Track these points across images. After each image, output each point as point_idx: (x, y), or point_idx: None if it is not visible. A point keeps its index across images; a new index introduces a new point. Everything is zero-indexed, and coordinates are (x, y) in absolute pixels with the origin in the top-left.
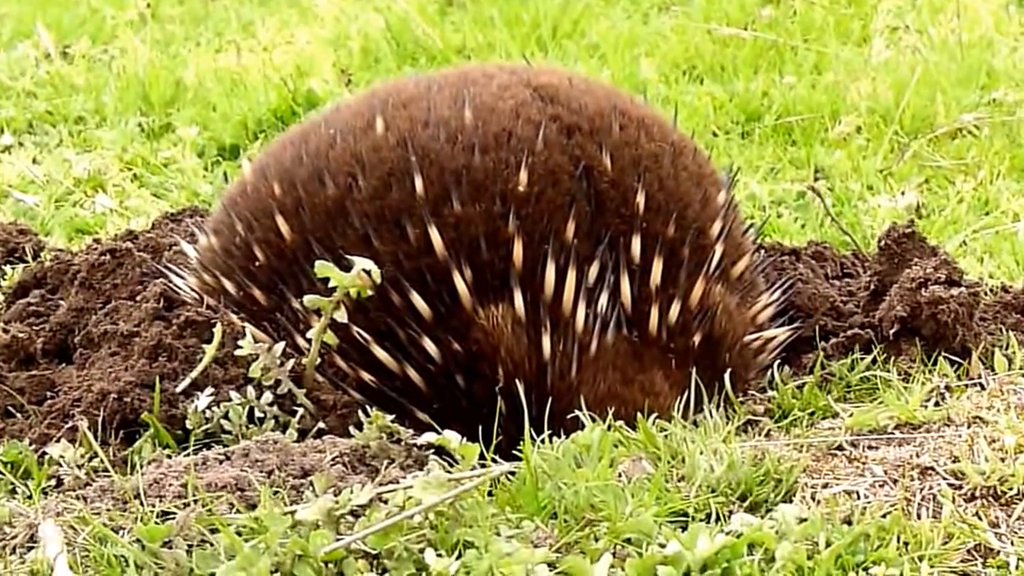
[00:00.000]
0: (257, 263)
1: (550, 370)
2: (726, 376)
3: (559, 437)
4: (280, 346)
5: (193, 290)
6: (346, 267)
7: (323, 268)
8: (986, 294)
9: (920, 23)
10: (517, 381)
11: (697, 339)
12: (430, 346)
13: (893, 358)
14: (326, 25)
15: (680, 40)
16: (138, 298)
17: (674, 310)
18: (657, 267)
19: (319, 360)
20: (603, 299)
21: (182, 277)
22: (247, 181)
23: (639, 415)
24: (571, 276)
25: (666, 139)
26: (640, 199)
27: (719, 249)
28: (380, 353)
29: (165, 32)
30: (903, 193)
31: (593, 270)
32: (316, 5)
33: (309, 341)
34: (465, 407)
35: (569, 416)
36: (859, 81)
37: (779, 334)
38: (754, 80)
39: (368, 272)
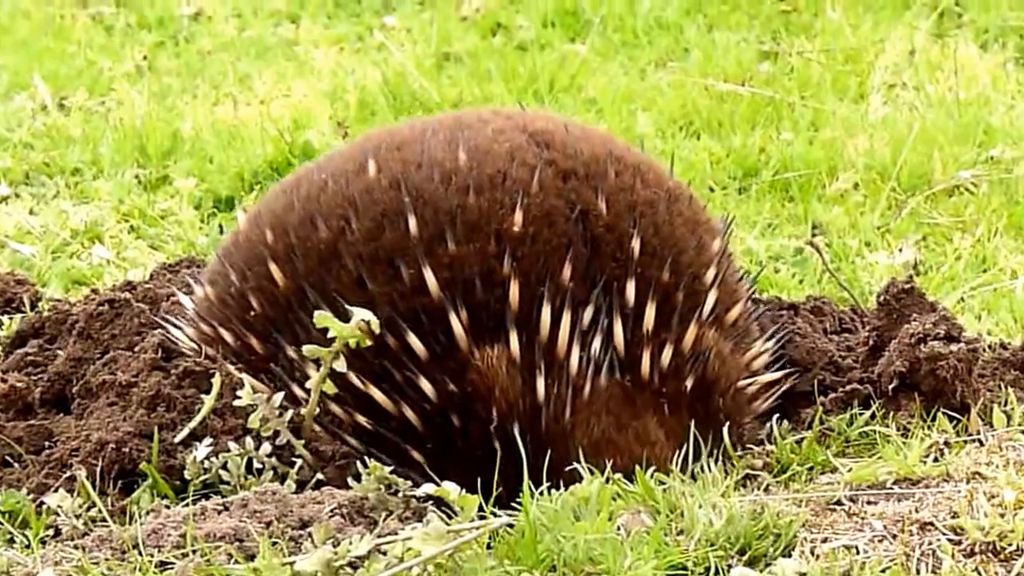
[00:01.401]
0: (252, 312)
1: (544, 412)
2: (724, 428)
3: (554, 482)
4: (279, 397)
5: (191, 341)
6: (340, 311)
7: (322, 318)
8: (985, 350)
9: (917, 80)
10: (511, 422)
11: (690, 383)
12: (426, 386)
13: (892, 413)
14: (323, 78)
15: (677, 95)
16: (136, 348)
17: (666, 354)
18: (651, 311)
19: (316, 408)
20: (596, 343)
21: (180, 328)
22: (241, 230)
23: (636, 467)
24: (566, 318)
25: (661, 185)
26: (636, 244)
27: (713, 295)
28: (377, 394)
29: (162, 84)
30: (901, 250)
31: (588, 313)
32: (313, 59)
33: (306, 390)
34: (460, 447)
35: (565, 466)
36: (856, 138)
37: (773, 378)
38: (751, 136)
39: (367, 322)
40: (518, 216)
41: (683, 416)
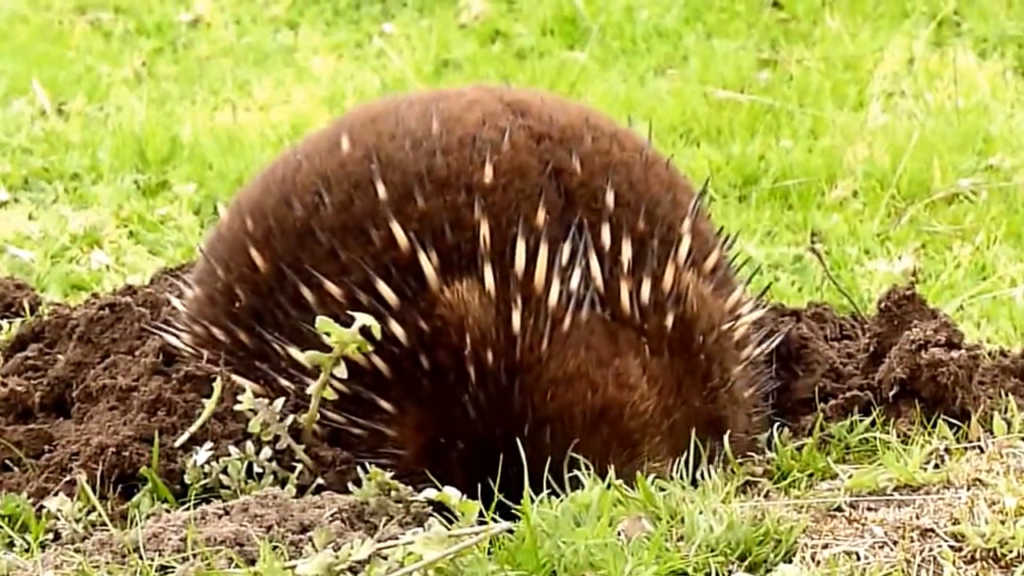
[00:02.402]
0: (239, 303)
1: (519, 343)
2: (710, 370)
3: (528, 412)
4: (280, 402)
5: (188, 346)
6: (315, 286)
7: (324, 324)
8: (985, 358)
9: (917, 89)
10: (485, 351)
11: (670, 320)
12: (396, 329)
13: (892, 420)
14: (322, 85)
15: (677, 103)
16: (137, 352)
17: (646, 288)
18: (627, 249)
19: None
20: (576, 278)
21: (175, 335)
22: (222, 223)
23: (612, 413)
24: (543, 252)
25: (639, 151)
26: (610, 196)
27: (688, 239)
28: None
29: (160, 90)
30: (900, 258)
31: (566, 250)
32: (312, 65)
33: (293, 381)
34: (431, 390)
35: (538, 397)
36: (856, 145)
37: (756, 317)
38: (751, 144)
39: (367, 328)
40: (488, 169)
41: (665, 358)
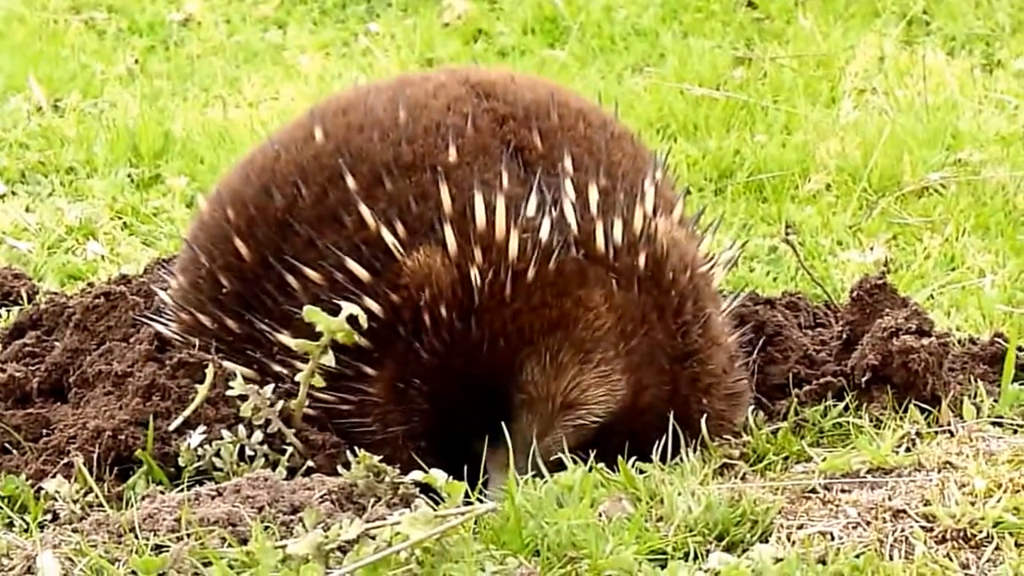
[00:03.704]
0: (224, 290)
1: (480, 294)
2: (682, 307)
3: (485, 337)
4: (270, 388)
5: (176, 335)
6: (298, 275)
7: (311, 313)
8: (955, 345)
9: (887, 85)
10: (442, 304)
11: (642, 259)
12: (371, 304)
13: (865, 405)
14: (310, 82)
15: (654, 100)
16: (132, 339)
17: (618, 227)
18: (594, 194)
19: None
20: (545, 228)
21: (164, 324)
22: (203, 212)
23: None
24: (501, 205)
25: (605, 128)
26: (568, 161)
27: (652, 191)
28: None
29: (153, 87)
30: (872, 249)
31: (532, 203)
32: (300, 63)
33: (282, 364)
34: (411, 356)
35: (500, 340)
36: (828, 140)
37: (730, 256)
38: (726, 138)
39: (354, 318)
40: (452, 151)
41: (634, 293)
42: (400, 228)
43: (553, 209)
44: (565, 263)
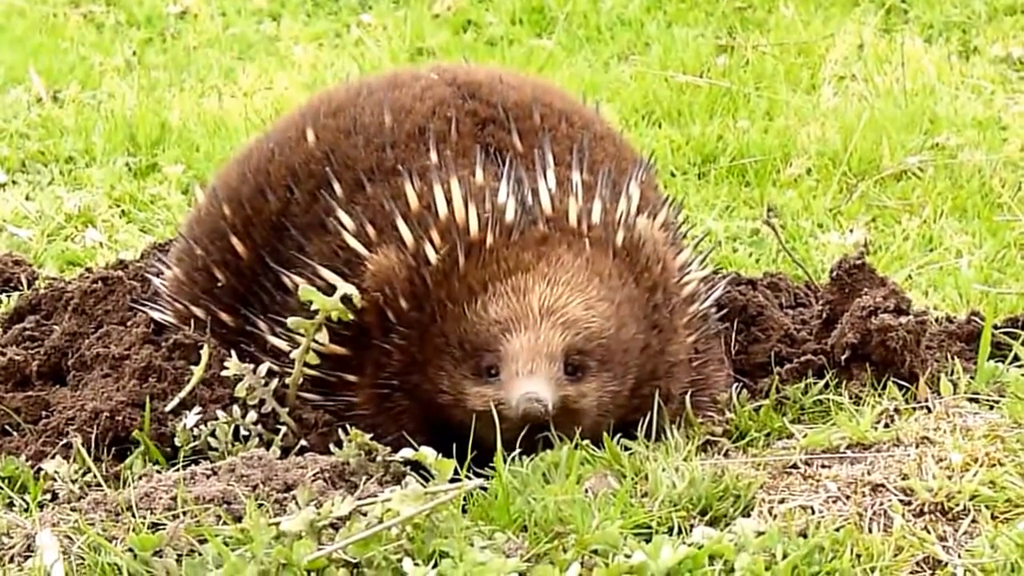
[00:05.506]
0: (219, 284)
1: (430, 276)
2: (656, 293)
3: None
4: (264, 367)
5: (170, 323)
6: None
7: (307, 293)
8: (932, 324)
9: (866, 72)
10: (401, 298)
11: (620, 237)
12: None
13: (845, 382)
14: (303, 72)
15: (639, 87)
16: (129, 323)
17: (596, 208)
18: (574, 182)
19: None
20: (512, 206)
21: (159, 310)
22: (200, 206)
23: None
24: (455, 187)
25: (588, 127)
26: (549, 158)
27: (637, 193)
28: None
29: (150, 78)
30: (852, 231)
31: (502, 190)
32: (294, 54)
33: (279, 361)
34: (377, 349)
35: (457, 306)
36: (809, 126)
37: (705, 274)
38: (709, 124)
39: (348, 297)
40: (433, 155)
41: (610, 257)
42: (371, 232)
43: (528, 195)
44: (529, 231)
